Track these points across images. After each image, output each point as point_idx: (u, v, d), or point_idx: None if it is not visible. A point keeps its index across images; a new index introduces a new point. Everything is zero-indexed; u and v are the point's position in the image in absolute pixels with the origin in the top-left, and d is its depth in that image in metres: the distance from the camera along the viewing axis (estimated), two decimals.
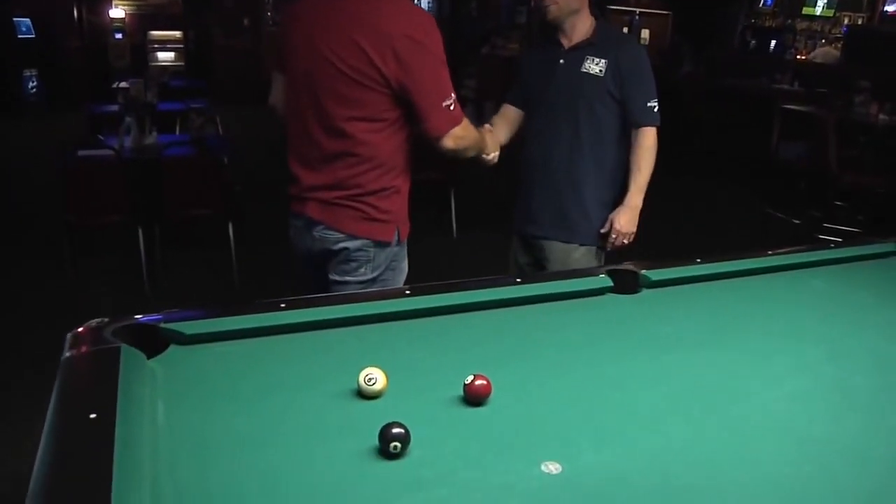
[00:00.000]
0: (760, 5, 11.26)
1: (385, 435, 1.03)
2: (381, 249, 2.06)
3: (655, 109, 2.40)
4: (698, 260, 1.89)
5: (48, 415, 1.03)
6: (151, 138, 4.55)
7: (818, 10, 11.11)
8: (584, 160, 2.46)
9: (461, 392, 1.20)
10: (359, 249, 2.04)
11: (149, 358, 1.27)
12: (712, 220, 6.17)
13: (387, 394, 1.20)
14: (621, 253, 2.38)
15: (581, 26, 2.43)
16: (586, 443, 1.11)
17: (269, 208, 3.89)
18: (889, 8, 9.76)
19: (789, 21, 11.04)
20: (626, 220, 2.44)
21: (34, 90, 10.45)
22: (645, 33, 11.06)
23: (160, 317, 1.39)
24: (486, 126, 2.46)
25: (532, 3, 10.03)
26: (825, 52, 10.11)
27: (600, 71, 2.39)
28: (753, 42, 10.15)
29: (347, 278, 2.07)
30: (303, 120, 2.02)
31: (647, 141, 2.40)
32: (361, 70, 1.89)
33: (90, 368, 1.20)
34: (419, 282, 1.75)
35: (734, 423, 1.19)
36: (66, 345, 1.24)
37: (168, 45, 12.07)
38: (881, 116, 5.91)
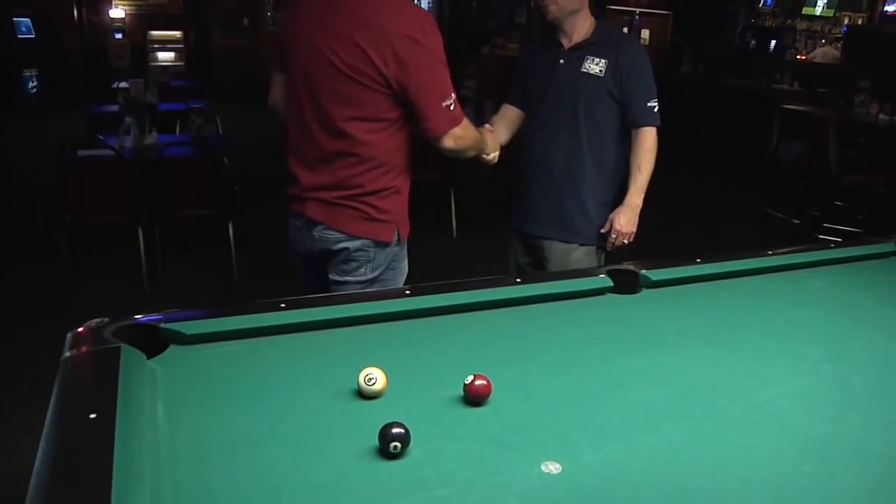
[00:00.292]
0: (760, 5, 11.26)
1: (385, 435, 1.03)
2: (381, 249, 2.06)
3: (655, 109, 2.41)
4: (698, 260, 1.89)
5: (48, 415, 1.03)
6: (151, 138, 4.55)
7: (818, 10, 11.11)
8: (584, 160, 2.46)
9: (461, 392, 1.20)
10: (359, 249, 2.04)
11: (149, 358, 1.27)
12: (712, 219, 6.17)
13: (387, 394, 1.20)
14: (621, 253, 2.38)
15: (581, 26, 2.43)
16: (586, 442, 1.11)
17: (269, 208, 3.90)
18: (889, 8, 9.76)
19: (789, 21, 11.03)
20: (626, 220, 2.44)
21: (34, 90, 10.45)
22: (645, 33, 11.05)
23: (160, 317, 1.39)
24: (486, 126, 2.46)
25: (532, 3, 10.03)
26: (825, 52, 10.11)
27: (600, 71, 2.39)
28: (753, 42, 10.13)
29: (347, 278, 2.07)
30: (303, 120, 2.02)
31: (648, 141, 2.41)
32: (361, 70, 1.89)
33: (90, 368, 1.20)
34: (419, 282, 1.75)
35: (734, 422, 1.19)
36: (66, 345, 1.24)
37: (168, 45, 12.07)
38: (881, 116, 5.90)
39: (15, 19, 10.21)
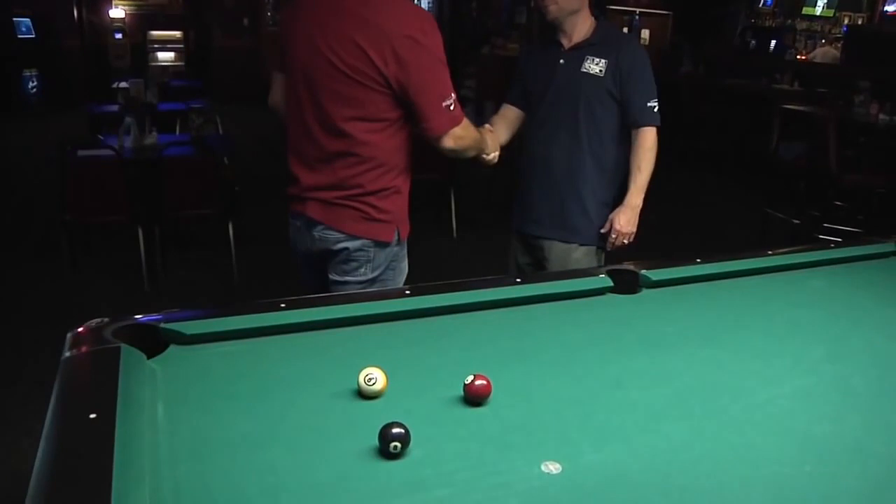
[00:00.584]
0: (760, 5, 11.26)
1: (385, 435, 1.03)
2: (381, 249, 2.06)
3: (655, 109, 2.41)
4: (698, 260, 1.89)
5: (48, 415, 1.03)
6: (151, 138, 4.55)
7: (818, 10, 11.10)
8: (584, 160, 2.46)
9: (461, 392, 1.20)
10: (359, 249, 2.04)
11: (149, 358, 1.27)
12: (712, 219, 6.17)
13: (387, 394, 1.20)
14: (621, 253, 2.38)
15: (581, 26, 2.43)
16: (586, 442, 1.11)
17: (269, 208, 3.90)
18: (889, 8, 9.75)
19: (789, 21, 11.03)
20: (626, 220, 2.44)
21: (34, 90, 10.45)
22: (645, 33, 11.05)
23: (160, 317, 1.39)
24: (487, 126, 2.46)
25: (532, 3, 10.02)
26: (825, 52, 10.11)
27: (600, 71, 2.39)
28: (753, 42, 10.13)
29: (347, 278, 2.07)
30: (303, 120, 2.02)
31: (648, 141, 2.41)
32: (361, 70, 1.89)
33: (90, 368, 1.20)
34: (419, 282, 1.75)
35: (734, 422, 1.19)
36: (66, 345, 1.24)
37: (168, 45, 12.07)
38: (881, 116, 5.90)
39: (15, 19, 10.21)
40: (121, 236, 4.43)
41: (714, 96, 8.17)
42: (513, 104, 2.64)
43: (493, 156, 2.31)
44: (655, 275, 1.78)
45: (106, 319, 1.33)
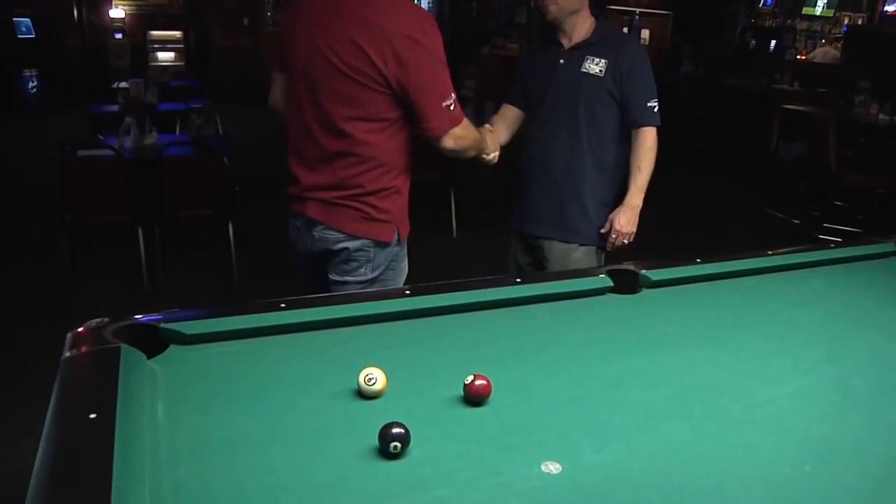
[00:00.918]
0: (760, 5, 11.26)
1: (385, 435, 1.03)
2: (381, 249, 2.06)
3: (655, 109, 2.41)
4: (698, 260, 1.89)
5: (48, 415, 1.03)
6: (151, 138, 4.55)
7: (818, 10, 11.10)
8: (584, 160, 2.46)
9: (461, 392, 1.20)
10: (359, 249, 2.04)
11: (149, 358, 1.27)
12: (712, 219, 6.18)
13: (387, 394, 1.20)
14: (621, 253, 2.38)
15: (581, 26, 2.43)
16: (586, 442, 1.11)
17: (269, 208, 3.90)
18: (889, 8, 9.76)
19: (789, 21, 11.03)
20: (626, 220, 2.44)
21: (34, 90, 10.45)
22: (645, 33, 11.05)
23: (160, 317, 1.39)
24: (486, 126, 2.46)
25: (532, 3, 10.02)
26: (825, 52, 10.11)
27: (600, 71, 2.39)
28: (753, 42, 10.13)
29: (347, 278, 2.07)
30: (303, 120, 2.02)
31: (648, 141, 2.40)
32: (361, 70, 1.89)
33: (90, 368, 1.20)
34: (419, 282, 1.75)
35: (734, 422, 1.19)
36: (66, 345, 1.24)
37: (168, 45, 12.07)
38: (881, 116, 5.90)
39: (15, 19, 10.21)
40: (121, 236, 4.43)
41: (714, 96, 8.17)
42: (513, 104, 2.64)
43: (493, 156, 2.31)
44: (655, 275, 1.78)
45: (106, 319, 1.33)
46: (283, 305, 1.48)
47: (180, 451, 1.03)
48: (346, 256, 2.05)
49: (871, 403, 1.29)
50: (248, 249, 4.54)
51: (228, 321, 1.41)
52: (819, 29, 11.24)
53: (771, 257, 2.00)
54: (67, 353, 1.22)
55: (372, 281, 2.07)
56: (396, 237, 2.08)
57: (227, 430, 1.10)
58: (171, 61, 12.00)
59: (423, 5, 11.53)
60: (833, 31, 11.03)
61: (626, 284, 1.75)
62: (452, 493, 0.97)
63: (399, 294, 1.62)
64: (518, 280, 1.75)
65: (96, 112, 5.88)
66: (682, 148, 7.48)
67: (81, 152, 4.24)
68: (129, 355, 1.21)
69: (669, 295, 1.76)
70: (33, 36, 10.45)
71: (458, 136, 2.00)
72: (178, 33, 12.12)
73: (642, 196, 2.45)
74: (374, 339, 1.45)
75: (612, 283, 1.74)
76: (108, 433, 0.95)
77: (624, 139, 2.45)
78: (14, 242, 4.93)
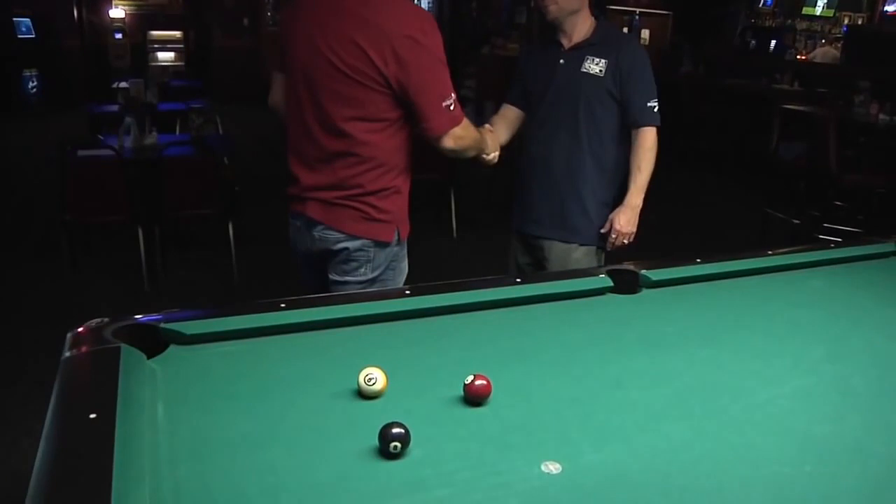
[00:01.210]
0: (760, 5, 11.26)
1: (385, 435, 1.03)
2: (381, 249, 2.06)
3: (655, 109, 2.41)
4: (698, 260, 1.89)
5: (48, 415, 1.03)
6: (151, 138, 4.55)
7: (818, 10, 11.10)
8: (584, 160, 2.46)
9: (461, 392, 1.20)
10: (359, 249, 2.04)
11: (149, 358, 1.27)
12: (712, 219, 6.18)
13: (387, 394, 1.20)
14: (621, 253, 2.38)
15: (581, 26, 2.43)
16: (586, 442, 1.11)
17: (269, 208, 3.90)
18: (889, 8, 9.76)
19: (789, 21, 11.03)
20: (626, 220, 2.44)
21: (34, 90, 10.45)
22: (645, 33, 11.05)
23: (160, 317, 1.39)
24: (486, 126, 2.46)
25: (532, 3, 10.02)
26: (825, 52, 10.11)
27: (600, 71, 2.39)
28: (753, 42, 10.13)
29: (347, 278, 2.07)
30: (303, 120, 2.02)
31: (648, 141, 2.40)
32: (361, 70, 1.89)
33: (90, 368, 1.20)
34: (419, 282, 1.75)
35: (734, 422, 1.19)
36: (66, 345, 1.24)
37: (168, 45, 12.07)
38: (881, 116, 5.90)
39: (15, 19, 10.21)
40: (121, 236, 4.43)
41: (714, 96, 8.17)
42: (513, 104, 2.64)
43: (493, 156, 2.31)
44: (655, 275, 1.78)
45: (106, 319, 1.33)
46: (283, 305, 1.48)
47: (180, 451, 1.03)
48: (346, 256, 2.05)
49: (871, 403, 1.29)
50: (248, 249, 4.54)
51: (228, 321, 1.41)
52: (819, 29, 11.24)
53: (771, 257, 2.00)
54: (67, 353, 1.22)
55: (372, 281, 2.07)
56: (396, 237, 2.08)
57: (227, 430, 1.10)
58: (171, 61, 12.00)
59: (423, 5, 11.53)
60: (833, 31, 11.03)
61: (626, 284, 1.75)
62: (452, 493, 0.97)
63: (399, 294, 1.62)
64: (518, 280, 1.75)
65: (96, 112, 5.88)
66: (682, 148, 7.48)
67: (81, 152, 4.24)
68: (129, 355, 1.21)
69: (669, 295, 1.76)
70: (33, 36, 10.45)
71: (458, 136, 2.00)
72: (178, 33, 12.12)
73: (642, 196, 2.45)
74: (374, 339, 1.45)
75: (612, 283, 1.74)
76: (108, 433, 0.95)
77: (624, 139, 2.45)
78: (14, 242, 4.93)
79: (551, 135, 2.49)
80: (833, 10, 10.97)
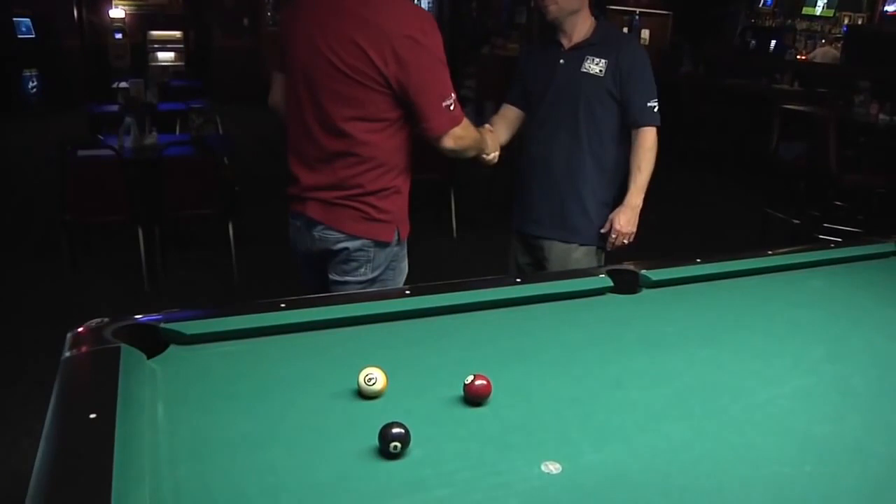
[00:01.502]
0: (760, 5, 11.26)
1: (385, 435, 1.03)
2: (381, 249, 2.06)
3: (655, 109, 2.41)
4: (698, 260, 1.89)
5: (48, 415, 1.03)
6: (151, 138, 4.55)
7: (818, 10, 11.11)
8: (584, 160, 2.46)
9: (461, 392, 1.20)
10: (359, 249, 2.04)
11: (149, 358, 1.27)
12: (712, 219, 6.18)
13: (387, 394, 1.20)
14: (621, 253, 2.38)
15: (581, 26, 2.43)
16: (586, 442, 1.11)
17: (269, 208, 3.90)
18: (889, 8, 9.76)
19: (789, 21, 11.03)
20: (626, 220, 2.44)
21: (34, 90, 10.45)
22: (645, 33, 11.05)
23: (160, 317, 1.39)
24: (486, 126, 2.46)
25: (532, 3, 10.02)
26: (825, 52, 10.11)
27: (600, 71, 2.39)
28: (753, 42, 10.13)
29: (347, 278, 2.07)
30: (303, 120, 2.02)
31: (648, 141, 2.40)
32: (361, 70, 1.89)
33: (90, 368, 1.20)
34: (419, 282, 1.75)
35: (734, 422, 1.19)
36: (66, 345, 1.24)
37: (168, 45, 12.07)
38: (881, 116, 5.90)
39: (15, 19, 10.21)
40: (121, 236, 4.43)
41: (714, 96, 8.17)
42: (513, 104, 2.64)
43: (493, 156, 2.31)
44: (655, 275, 1.78)
45: (106, 319, 1.33)
46: (283, 305, 1.48)
47: (180, 451, 1.03)
48: (346, 256, 2.05)
49: (871, 403, 1.29)
50: (248, 249, 4.54)
51: (228, 321, 1.41)
52: (819, 29, 11.24)
53: (771, 257, 2.00)
54: (67, 353, 1.22)
55: (372, 281, 2.07)
56: (396, 237, 2.08)
57: (227, 430, 1.10)
58: (171, 61, 12.00)
59: (423, 5, 11.53)
60: (833, 31, 11.03)
61: (626, 284, 1.75)
62: (452, 493, 0.97)
63: (399, 294, 1.62)
64: (518, 280, 1.75)
65: (96, 112, 5.88)
66: (682, 148, 7.48)
67: (81, 152, 4.24)
68: (129, 355, 1.21)
69: (669, 295, 1.76)
70: (33, 36, 10.45)
71: (458, 136, 2.00)
72: (178, 33, 12.12)
73: (642, 196, 2.45)
74: (374, 339, 1.45)
75: (612, 283, 1.74)
76: (108, 433, 0.95)
77: (624, 139, 2.45)
78: (14, 242, 4.93)
79: (551, 135, 2.49)
80: (833, 10, 10.98)
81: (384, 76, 1.89)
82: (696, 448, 1.11)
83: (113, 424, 0.97)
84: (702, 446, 1.12)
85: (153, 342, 1.32)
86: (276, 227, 2.67)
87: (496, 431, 1.13)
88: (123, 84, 6.35)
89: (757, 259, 1.98)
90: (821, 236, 4.75)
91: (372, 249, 2.05)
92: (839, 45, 10.06)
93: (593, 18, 2.46)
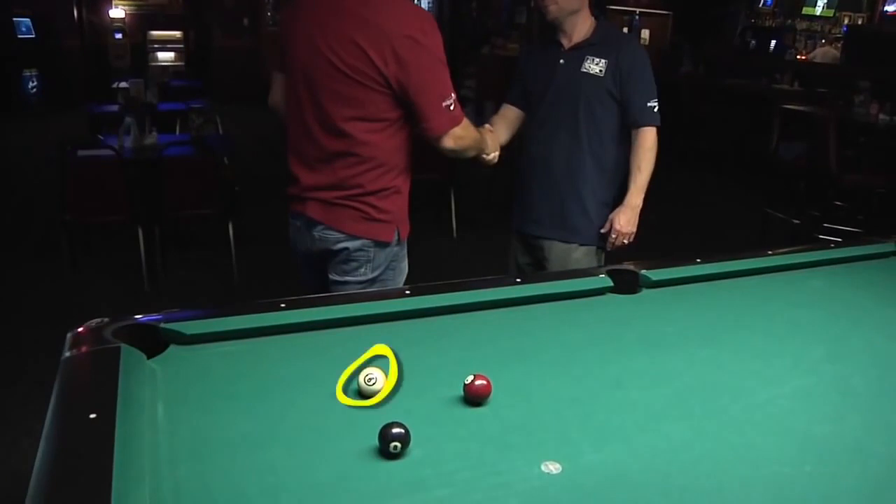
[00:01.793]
0: (760, 5, 11.26)
1: (385, 435, 1.03)
2: (381, 249, 2.06)
3: (655, 109, 2.41)
4: (698, 260, 1.89)
5: (48, 415, 1.03)
6: (151, 138, 4.55)
7: (818, 10, 11.11)
8: (584, 160, 2.46)
9: (461, 392, 1.20)
10: (359, 249, 2.04)
11: (149, 358, 1.27)
12: (712, 219, 6.18)
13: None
14: (621, 253, 2.38)
15: (581, 26, 2.43)
16: (586, 442, 1.11)
17: (269, 208, 3.90)
18: (889, 8, 9.76)
19: (789, 21, 11.04)
20: (626, 220, 2.44)
21: (34, 90, 10.45)
22: (645, 33, 11.05)
23: (160, 317, 1.39)
24: (486, 126, 2.46)
25: (532, 3, 10.02)
26: (825, 52, 10.11)
27: (600, 71, 2.39)
28: (753, 42, 10.13)
29: (347, 278, 2.07)
30: (303, 120, 2.02)
31: (647, 141, 2.41)
32: (361, 70, 1.89)
33: (90, 368, 1.20)
34: (419, 282, 1.75)
35: (734, 422, 1.19)
36: (66, 345, 1.24)
37: (168, 45, 12.07)
38: (881, 116, 5.90)
39: (15, 19, 10.21)
40: (121, 236, 4.43)
41: (714, 96, 8.17)
42: (513, 104, 2.64)
43: (493, 156, 2.31)
44: (655, 275, 1.78)
45: (106, 319, 1.33)
46: (283, 305, 1.48)
47: (180, 451, 1.03)
48: (346, 256, 2.05)
49: (871, 403, 1.29)
50: (248, 249, 4.54)
51: (228, 321, 1.41)
52: (819, 29, 11.25)
53: (771, 257, 2.00)
54: (67, 353, 1.22)
55: (372, 281, 2.07)
56: (396, 237, 2.08)
57: (227, 430, 1.10)
58: (171, 61, 12.00)
59: (423, 5, 11.53)
60: (833, 31, 11.03)
61: (626, 284, 1.75)
62: (452, 493, 0.97)
63: (399, 294, 1.62)
64: (518, 280, 1.75)
65: (96, 112, 5.88)
66: (682, 148, 7.48)
67: (81, 152, 4.24)
68: (129, 355, 1.21)
69: (669, 295, 1.76)
70: (33, 36, 10.45)
71: (458, 136, 2.00)
72: (178, 33, 12.12)
73: (642, 196, 2.45)
74: (374, 339, 1.44)
75: (612, 283, 1.74)
76: (108, 433, 0.95)
77: (624, 139, 2.45)
78: (14, 242, 4.93)
79: (551, 135, 2.49)
80: (833, 10, 10.98)
81: (384, 76, 1.89)
82: (696, 448, 1.11)
83: (113, 424, 0.97)
84: (702, 446, 1.12)
85: (153, 342, 1.32)
86: (276, 227, 2.67)
87: (496, 431, 1.13)
88: (123, 84, 6.35)
89: (757, 259, 1.98)
90: (821, 236, 4.75)
91: (372, 249, 2.05)
92: (839, 45, 10.07)
93: (593, 18, 2.46)
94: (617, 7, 10.80)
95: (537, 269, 2.62)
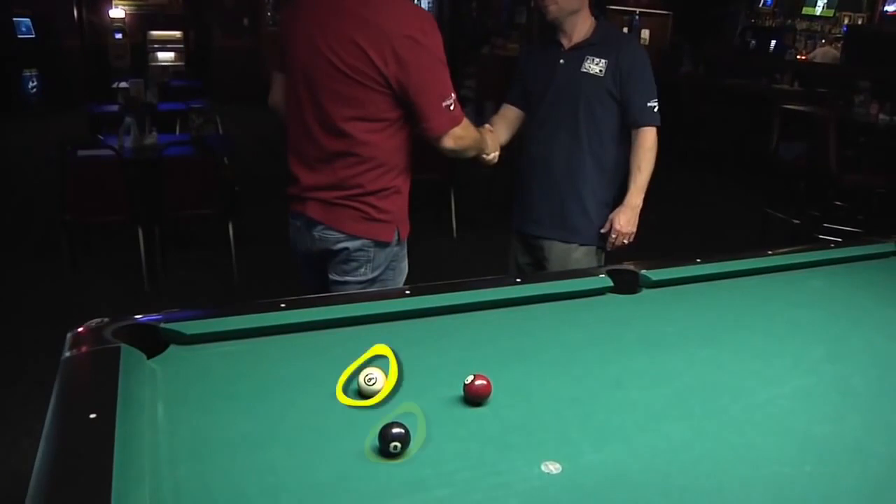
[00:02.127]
0: (760, 5, 11.26)
1: (385, 435, 1.03)
2: (381, 249, 2.06)
3: (655, 109, 2.41)
4: (698, 260, 1.89)
5: (48, 415, 1.03)
6: (151, 138, 4.55)
7: (818, 10, 11.11)
8: (584, 160, 2.46)
9: (461, 392, 1.20)
10: (359, 249, 2.04)
11: (149, 358, 1.27)
12: (712, 219, 6.18)
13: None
14: (621, 253, 2.38)
15: (581, 26, 2.43)
16: (586, 442, 1.11)
17: (269, 208, 3.90)
18: (889, 8, 9.76)
19: (789, 21, 11.04)
20: (626, 220, 2.44)
21: (34, 90, 10.46)
22: (645, 33, 11.06)
23: (160, 317, 1.39)
24: (486, 126, 2.46)
25: (532, 3, 10.02)
26: (825, 52, 10.11)
27: (600, 71, 2.39)
28: (753, 42, 10.13)
29: (347, 278, 2.07)
30: (303, 120, 2.02)
31: (647, 141, 2.41)
32: (361, 70, 1.89)
33: (90, 368, 1.20)
34: (419, 282, 1.75)
35: (734, 422, 1.19)
36: (66, 345, 1.24)
37: (168, 45, 12.08)
38: (881, 116, 5.90)
39: (15, 19, 10.21)
40: (121, 236, 4.43)
41: (714, 96, 8.17)
42: (513, 104, 2.64)
43: (493, 156, 2.31)
44: (655, 275, 1.78)
45: (106, 319, 1.33)
46: (283, 305, 1.48)
47: (180, 451, 1.03)
48: (346, 256, 2.05)
49: (871, 403, 1.29)
50: (248, 249, 4.54)
51: (228, 321, 1.41)
52: (819, 29, 11.25)
53: (771, 257, 2.00)
54: (67, 353, 1.22)
55: (372, 281, 2.07)
56: (396, 237, 2.08)
57: (227, 430, 1.10)
58: (171, 61, 12.01)
59: (423, 5, 11.53)
60: (833, 31, 11.03)
61: (626, 284, 1.75)
62: (452, 493, 0.97)
63: (399, 294, 1.62)
64: (518, 280, 1.75)
65: (96, 112, 5.88)
66: (682, 148, 7.48)
67: (81, 152, 4.24)
68: (129, 355, 1.21)
69: (669, 295, 1.76)
70: (33, 36, 10.45)
71: (458, 136, 2.00)
72: (178, 33, 12.13)
73: (642, 196, 2.45)
74: (374, 339, 1.44)
75: (612, 283, 1.74)
76: (108, 433, 0.95)
77: (624, 139, 2.45)
78: (14, 242, 4.93)
79: (551, 135, 2.49)
80: (833, 10, 10.98)
81: (384, 76, 1.89)
82: (696, 448, 1.11)
83: (113, 424, 0.97)
84: (702, 446, 1.12)
85: (153, 342, 1.32)
86: (276, 227, 2.67)
87: (496, 431, 1.13)
88: (123, 84, 6.35)
89: (757, 259, 1.98)
90: (821, 236, 4.75)
91: (372, 249, 2.05)
92: (839, 45, 10.07)
93: (593, 18, 2.46)
94: (617, 7, 10.80)
95: (537, 269, 2.62)
